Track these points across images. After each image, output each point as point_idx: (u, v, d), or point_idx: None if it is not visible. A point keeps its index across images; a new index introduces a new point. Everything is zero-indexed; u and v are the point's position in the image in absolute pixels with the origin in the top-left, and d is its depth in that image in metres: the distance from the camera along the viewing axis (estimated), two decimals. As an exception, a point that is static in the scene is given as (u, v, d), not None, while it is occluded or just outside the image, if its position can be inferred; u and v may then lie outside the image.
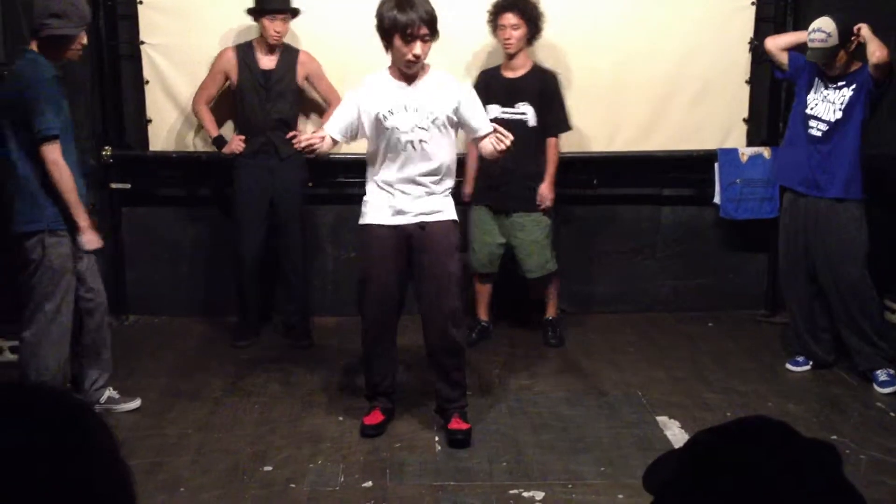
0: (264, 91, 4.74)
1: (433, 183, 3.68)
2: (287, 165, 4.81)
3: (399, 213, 3.69)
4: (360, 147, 5.10)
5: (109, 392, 4.06)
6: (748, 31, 5.18)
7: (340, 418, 4.03)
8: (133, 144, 5.19)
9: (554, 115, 4.75)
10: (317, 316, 5.27)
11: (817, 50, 4.22)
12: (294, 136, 4.78)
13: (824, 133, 4.37)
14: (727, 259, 5.52)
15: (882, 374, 4.36)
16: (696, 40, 5.13)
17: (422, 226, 3.68)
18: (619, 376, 4.54)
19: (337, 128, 3.72)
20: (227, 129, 4.96)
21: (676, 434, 3.88)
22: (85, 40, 3.75)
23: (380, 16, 3.53)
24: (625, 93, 5.16)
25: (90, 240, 3.75)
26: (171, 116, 5.09)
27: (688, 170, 5.38)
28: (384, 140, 3.64)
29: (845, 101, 4.30)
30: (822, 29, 4.17)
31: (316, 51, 4.88)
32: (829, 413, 4.12)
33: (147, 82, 5.06)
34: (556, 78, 4.79)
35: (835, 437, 3.84)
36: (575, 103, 5.10)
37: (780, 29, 5.18)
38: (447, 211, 3.73)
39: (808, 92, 4.44)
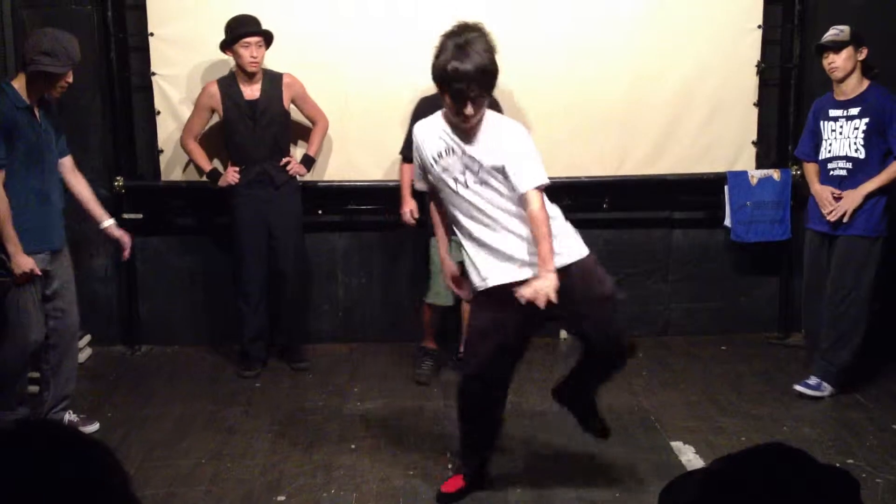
0: (252, 122, 4.75)
1: (498, 240, 3.24)
2: (282, 193, 4.84)
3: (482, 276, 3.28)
4: (369, 174, 5.19)
5: (69, 416, 4.15)
6: (755, 54, 5.20)
7: (353, 446, 4.02)
8: (145, 174, 5.23)
9: None
10: (327, 343, 5.28)
11: (828, 41, 4.38)
12: (287, 163, 4.83)
13: (849, 171, 4.42)
14: (739, 282, 5.51)
15: (812, 380, 4.50)
16: (704, 64, 5.15)
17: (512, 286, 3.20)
18: (632, 401, 4.52)
19: (419, 178, 3.46)
20: (221, 161, 4.99)
21: (691, 459, 3.85)
22: (71, 79, 3.88)
23: (434, 61, 3.15)
24: (634, 117, 5.17)
25: (17, 264, 3.76)
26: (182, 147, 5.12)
27: (698, 193, 5.38)
28: (439, 189, 3.34)
29: (860, 136, 4.36)
30: (837, 27, 4.39)
31: (298, 73, 4.89)
32: (845, 436, 4.09)
33: (158, 113, 5.10)
34: (498, 104, 4.53)
35: (850, 460, 3.82)
36: (585, 128, 5.13)
37: (786, 52, 5.20)
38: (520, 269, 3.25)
39: (823, 136, 4.52)
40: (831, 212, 4.41)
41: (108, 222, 4.22)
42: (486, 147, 3.19)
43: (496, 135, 3.21)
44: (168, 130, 5.12)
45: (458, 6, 4.94)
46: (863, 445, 3.98)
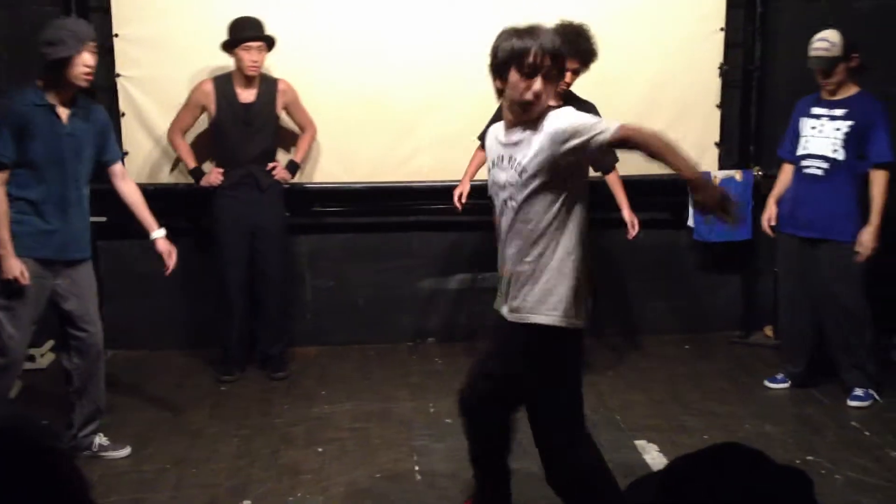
0: (245, 126, 4.72)
1: (535, 261, 2.88)
2: (267, 197, 4.82)
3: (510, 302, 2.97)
4: (337, 176, 5.19)
5: (99, 439, 3.95)
6: (718, 57, 5.26)
7: (320, 450, 4.02)
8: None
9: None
10: (296, 346, 5.27)
11: (820, 57, 4.31)
12: (274, 168, 4.82)
13: (825, 171, 4.38)
14: (702, 281, 5.57)
15: (859, 391, 4.45)
16: (667, 66, 5.21)
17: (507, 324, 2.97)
18: (597, 400, 4.56)
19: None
20: (204, 161, 4.94)
21: (655, 458, 3.90)
22: (90, 60, 3.60)
23: (495, 49, 2.86)
24: (598, 119, 5.21)
25: (6, 269, 3.56)
26: (147, 149, 5.09)
27: (662, 193, 5.43)
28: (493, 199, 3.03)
29: (840, 136, 4.32)
30: (826, 38, 4.31)
31: (292, 79, 4.89)
32: (805, 433, 4.16)
33: (123, 115, 5.06)
34: (595, 107, 4.53)
35: (811, 457, 3.88)
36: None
37: (748, 53, 5.27)
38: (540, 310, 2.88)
39: (801, 133, 4.48)
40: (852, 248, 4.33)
41: (156, 234, 3.97)
42: (536, 146, 2.81)
43: (542, 129, 2.81)
44: (133, 132, 5.07)
45: (429, 17, 4.98)
46: (823, 442, 4.06)
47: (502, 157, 2.92)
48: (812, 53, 4.35)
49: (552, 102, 2.98)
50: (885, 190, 4.28)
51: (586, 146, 2.73)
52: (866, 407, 4.41)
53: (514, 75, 2.79)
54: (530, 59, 2.76)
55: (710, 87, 5.29)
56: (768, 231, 4.66)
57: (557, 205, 2.83)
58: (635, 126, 2.78)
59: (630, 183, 5.29)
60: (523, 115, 2.84)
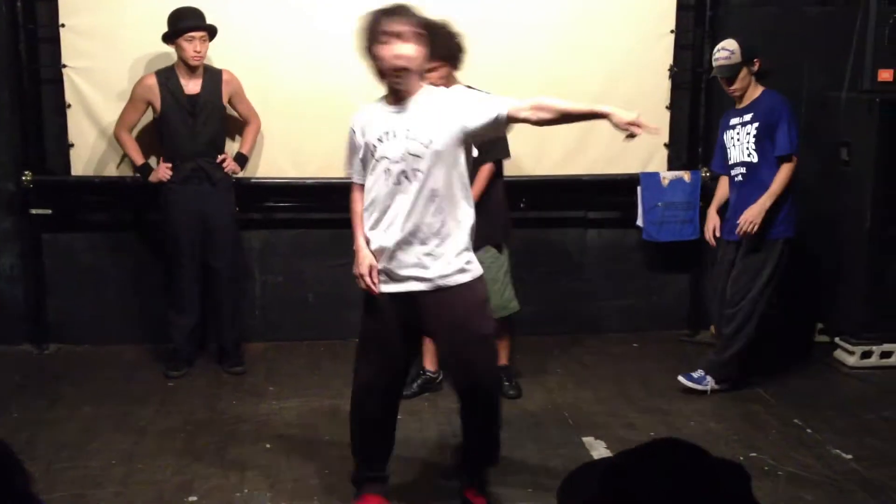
0: (191, 118, 4.67)
1: (437, 230, 3.10)
2: (218, 189, 4.77)
3: (394, 277, 3.16)
4: (287, 171, 5.16)
5: None
6: (668, 59, 5.33)
7: (268, 446, 4.00)
8: (54, 169, 5.09)
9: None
10: (246, 342, 5.23)
11: (722, 66, 4.48)
12: (224, 160, 4.77)
13: (744, 175, 4.56)
14: (650, 280, 5.64)
15: (698, 374, 4.63)
16: (618, 68, 5.26)
17: (426, 292, 3.14)
18: (546, 398, 4.60)
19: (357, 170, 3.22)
20: (152, 156, 4.88)
21: (602, 454, 3.93)
22: None
23: (362, 31, 3.03)
24: (550, 118, 5.24)
25: None
26: (93, 140, 5.01)
27: (612, 193, 5.49)
28: (373, 175, 3.10)
29: (752, 140, 4.48)
30: (726, 48, 4.48)
31: (236, 71, 4.85)
32: (749, 430, 4.23)
33: (69, 106, 4.98)
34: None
35: (754, 453, 3.95)
36: (501, 128, 5.19)
37: (697, 55, 5.35)
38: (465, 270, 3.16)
39: (726, 146, 4.65)
40: (737, 227, 4.49)
41: None
42: (427, 118, 3.04)
43: (437, 101, 3.08)
44: (79, 124, 4.99)
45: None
46: (766, 439, 4.13)
47: (392, 131, 3.04)
48: (715, 64, 4.52)
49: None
50: (784, 180, 4.44)
51: (491, 118, 3.00)
52: (692, 389, 4.59)
53: (381, 49, 2.96)
54: (396, 28, 2.94)
55: (660, 88, 5.36)
56: (711, 241, 4.76)
57: (460, 169, 3.08)
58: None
59: (582, 182, 5.36)
60: (396, 85, 3.02)
